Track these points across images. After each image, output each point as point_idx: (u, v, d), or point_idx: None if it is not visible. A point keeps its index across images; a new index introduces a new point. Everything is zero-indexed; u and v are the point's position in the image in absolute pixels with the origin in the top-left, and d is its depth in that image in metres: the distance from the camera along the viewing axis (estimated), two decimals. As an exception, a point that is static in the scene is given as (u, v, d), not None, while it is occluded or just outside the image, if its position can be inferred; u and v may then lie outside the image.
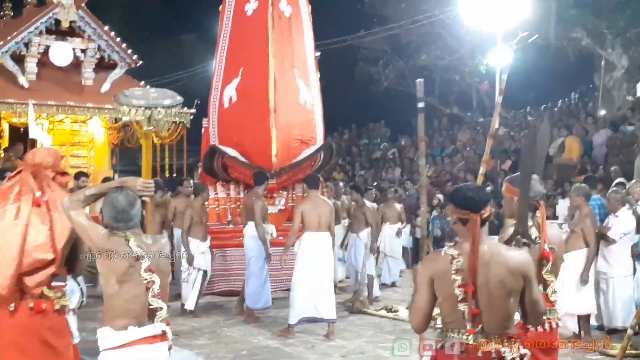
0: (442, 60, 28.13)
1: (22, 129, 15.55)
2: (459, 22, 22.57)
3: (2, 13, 16.62)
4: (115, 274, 3.99)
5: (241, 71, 12.32)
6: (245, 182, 12.01)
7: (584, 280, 8.65)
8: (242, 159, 11.94)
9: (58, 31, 15.28)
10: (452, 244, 3.73)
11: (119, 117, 15.44)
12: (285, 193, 12.36)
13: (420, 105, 4.49)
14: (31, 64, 15.02)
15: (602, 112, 21.30)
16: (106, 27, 15.74)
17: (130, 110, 4.73)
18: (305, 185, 10.05)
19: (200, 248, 10.45)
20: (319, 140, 12.63)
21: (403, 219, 13.65)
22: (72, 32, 15.40)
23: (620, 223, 9.06)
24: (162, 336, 4.05)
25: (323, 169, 13.03)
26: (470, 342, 3.58)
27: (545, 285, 4.64)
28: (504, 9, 18.49)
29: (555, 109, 25.54)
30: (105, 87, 15.48)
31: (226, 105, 12.44)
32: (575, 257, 8.66)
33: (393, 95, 29.93)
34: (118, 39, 15.89)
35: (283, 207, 12.17)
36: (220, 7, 12.99)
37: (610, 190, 9.73)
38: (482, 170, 5.39)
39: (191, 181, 12.78)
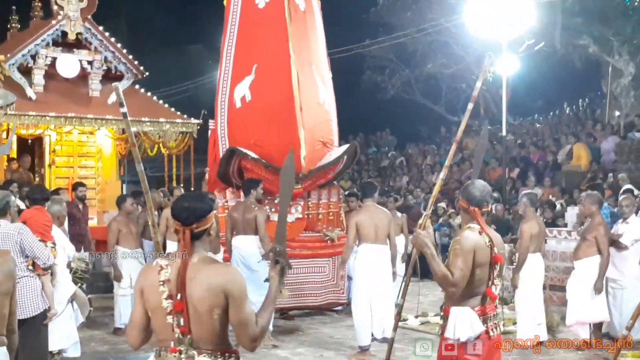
0: (448, 69, 28.07)
1: (29, 140, 15.65)
2: (464, 30, 22.52)
3: (9, 26, 16.67)
4: None
5: (255, 68, 11.23)
6: (265, 188, 10.70)
7: (598, 288, 8.60)
8: (265, 161, 10.81)
9: (65, 43, 15.30)
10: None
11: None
12: (301, 201, 11.28)
13: (123, 110, 4.18)
14: (38, 76, 15.02)
15: (610, 119, 21.24)
16: (113, 39, 15.75)
17: None
18: (361, 194, 9.18)
19: None
20: (336, 143, 11.80)
21: (405, 231, 12.03)
22: (78, 44, 15.41)
23: (632, 229, 9.01)
24: None
25: (342, 174, 12.27)
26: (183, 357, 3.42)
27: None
28: (509, 17, 18.48)
29: (563, 116, 25.50)
30: (112, 98, 15.44)
31: (238, 104, 11.37)
32: (587, 265, 8.68)
33: (399, 103, 29.96)
34: (124, 51, 15.91)
35: (300, 216, 11.17)
36: (225, 1, 11.94)
37: (622, 197, 9.69)
38: (442, 174, 5.32)
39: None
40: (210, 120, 12.25)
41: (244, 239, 9.52)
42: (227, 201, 10.90)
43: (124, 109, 4.16)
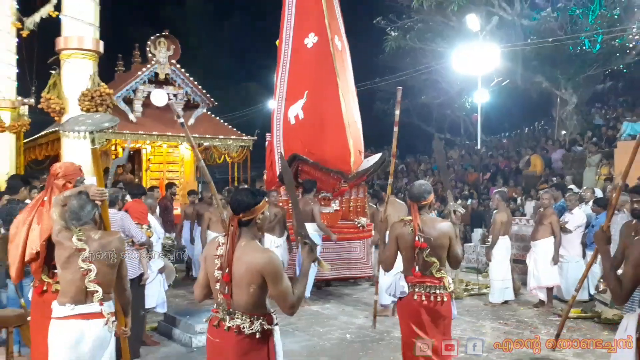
0: (437, 99, 27.99)
1: (131, 152, 15.77)
2: (450, 70, 22.39)
3: (116, 69, 16.90)
4: (59, 261, 3.71)
5: (306, 94, 10.78)
6: (318, 187, 10.28)
7: (555, 260, 8.49)
8: (321, 165, 10.44)
9: (157, 81, 15.41)
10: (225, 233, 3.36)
11: (200, 142, 15.59)
12: (339, 196, 10.81)
13: (181, 120, 3.98)
14: (137, 105, 15.16)
15: (558, 137, 20.98)
16: (191, 78, 15.85)
17: (77, 134, 4.04)
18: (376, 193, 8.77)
19: (275, 242, 9.28)
20: (363, 152, 11.39)
21: None
22: (167, 81, 15.51)
23: (575, 218, 8.89)
24: (99, 314, 3.66)
25: (370, 176, 11.70)
26: (219, 317, 3.28)
27: (429, 265, 4.27)
28: (482, 60, 18.44)
29: (523, 134, 25.22)
30: (191, 121, 15.57)
31: (292, 122, 10.86)
32: (545, 244, 8.59)
33: (401, 125, 29.38)
34: (200, 86, 15.99)
35: (338, 208, 10.75)
36: (277, 42, 11.46)
37: (567, 194, 9.55)
38: (390, 180, 5.51)
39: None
40: (267, 134, 11.79)
41: (307, 225, 9.30)
42: (282, 196, 10.40)
43: (181, 119, 4.19)
